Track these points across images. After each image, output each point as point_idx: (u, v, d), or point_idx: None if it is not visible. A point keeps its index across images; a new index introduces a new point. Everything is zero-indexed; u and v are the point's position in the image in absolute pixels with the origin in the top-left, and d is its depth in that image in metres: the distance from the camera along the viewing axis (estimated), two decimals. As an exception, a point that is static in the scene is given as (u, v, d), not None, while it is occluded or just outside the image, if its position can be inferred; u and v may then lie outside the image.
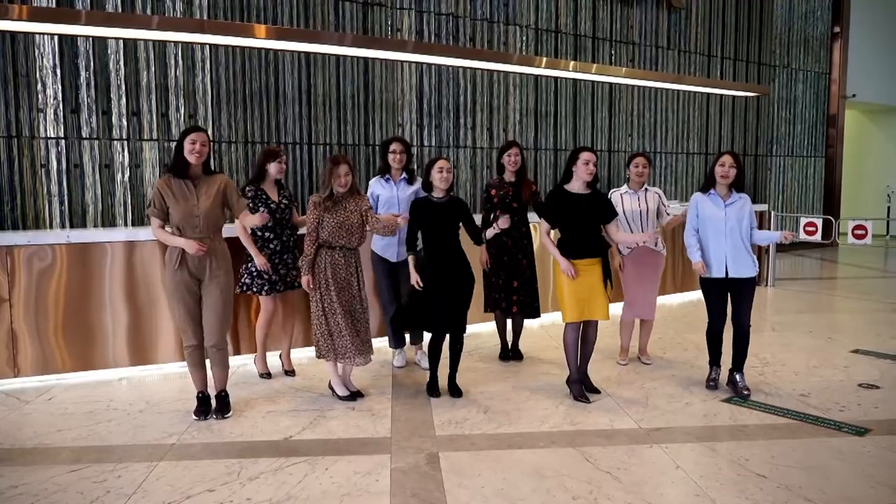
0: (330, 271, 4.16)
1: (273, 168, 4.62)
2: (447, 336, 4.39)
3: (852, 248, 11.54)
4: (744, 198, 4.36)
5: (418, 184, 4.81)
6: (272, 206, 4.61)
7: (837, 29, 12.12)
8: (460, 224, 4.41)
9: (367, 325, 4.31)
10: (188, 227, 3.82)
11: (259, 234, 4.62)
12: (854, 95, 12.41)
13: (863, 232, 7.99)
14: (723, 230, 4.31)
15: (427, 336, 4.66)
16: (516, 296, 5.02)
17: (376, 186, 4.92)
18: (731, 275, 4.30)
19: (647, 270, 4.98)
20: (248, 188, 4.63)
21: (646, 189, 4.98)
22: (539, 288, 5.16)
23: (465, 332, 4.42)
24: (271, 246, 4.63)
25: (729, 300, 4.42)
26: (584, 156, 4.22)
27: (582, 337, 4.33)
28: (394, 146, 4.88)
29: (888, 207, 13.52)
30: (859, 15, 12.37)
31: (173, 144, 5.84)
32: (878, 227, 11.51)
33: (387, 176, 4.91)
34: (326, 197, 4.14)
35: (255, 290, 4.62)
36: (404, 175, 4.92)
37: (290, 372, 4.86)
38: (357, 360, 4.23)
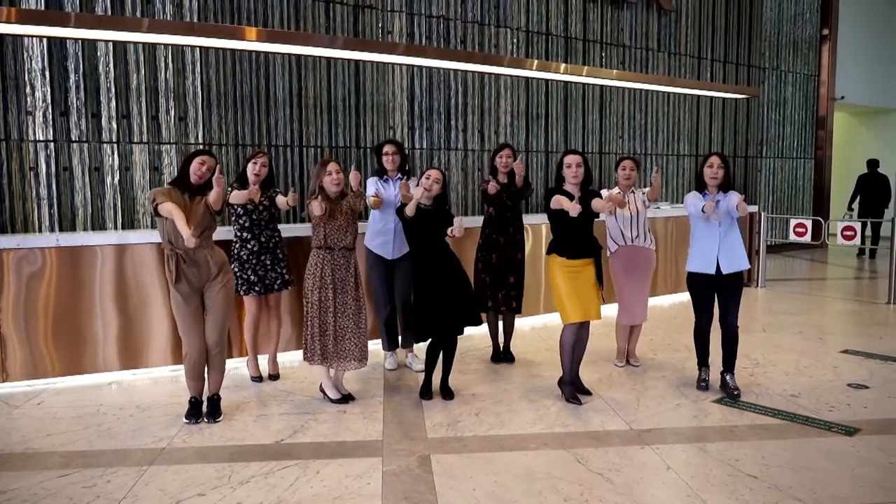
0: (329, 270, 4.18)
1: (248, 168, 4.61)
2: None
3: (841, 249, 11.63)
4: (728, 194, 4.36)
5: (415, 182, 4.80)
6: (249, 206, 4.58)
7: (826, 31, 12.21)
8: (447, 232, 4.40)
9: (366, 329, 4.31)
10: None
11: (237, 234, 4.63)
12: (843, 97, 12.49)
13: (852, 233, 8.04)
14: (716, 231, 4.34)
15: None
16: (505, 291, 5.02)
17: (374, 184, 4.94)
18: (723, 271, 4.32)
19: (638, 270, 4.96)
20: (229, 188, 4.61)
21: (633, 192, 5.00)
22: (530, 288, 5.17)
23: (479, 323, 4.46)
24: (248, 246, 4.62)
25: (716, 301, 4.44)
26: (566, 159, 4.23)
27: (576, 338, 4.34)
28: (386, 148, 4.93)
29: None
30: (848, 17, 12.46)
31: (163, 147, 5.88)
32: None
33: (385, 177, 4.94)
34: (322, 196, 4.14)
35: (235, 290, 4.62)
36: (400, 175, 4.94)
37: (273, 376, 4.82)
38: (350, 364, 4.24)
